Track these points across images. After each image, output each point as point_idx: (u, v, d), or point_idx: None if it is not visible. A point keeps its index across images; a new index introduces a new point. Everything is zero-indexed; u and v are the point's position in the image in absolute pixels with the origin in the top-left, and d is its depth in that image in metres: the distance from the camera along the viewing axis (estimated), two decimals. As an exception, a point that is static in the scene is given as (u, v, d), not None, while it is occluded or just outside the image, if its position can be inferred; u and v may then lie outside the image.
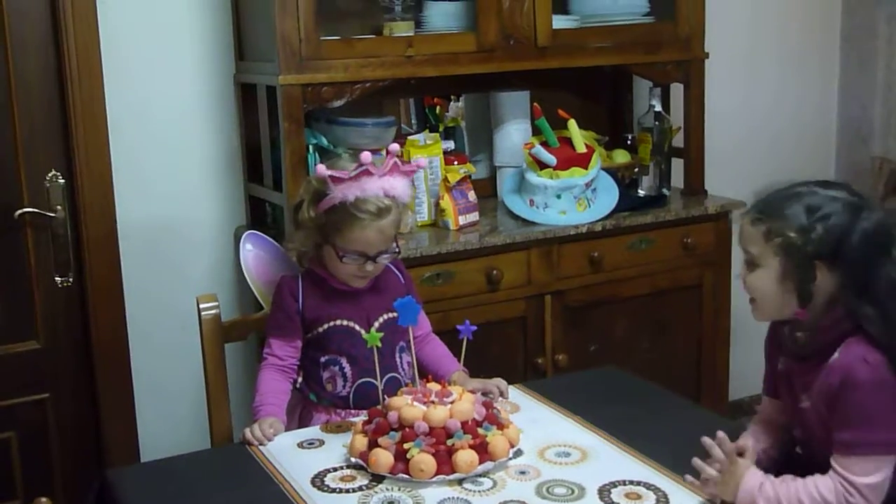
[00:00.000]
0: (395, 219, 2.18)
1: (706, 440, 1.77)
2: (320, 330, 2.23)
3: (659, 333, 3.21)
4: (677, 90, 3.41)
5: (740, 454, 1.75)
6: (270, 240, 2.47)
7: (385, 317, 2.24)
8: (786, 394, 1.85)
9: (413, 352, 2.09)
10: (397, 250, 2.26)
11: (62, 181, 2.92)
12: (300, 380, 2.27)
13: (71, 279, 2.98)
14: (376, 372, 2.05)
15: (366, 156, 2.11)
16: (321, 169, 2.14)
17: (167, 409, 3.16)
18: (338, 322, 2.22)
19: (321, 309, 2.22)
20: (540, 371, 3.04)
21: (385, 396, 2.01)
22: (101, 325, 3.02)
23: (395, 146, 2.19)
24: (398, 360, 2.26)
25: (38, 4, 2.84)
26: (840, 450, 1.66)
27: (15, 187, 2.88)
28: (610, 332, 3.16)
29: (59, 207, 2.92)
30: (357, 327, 2.22)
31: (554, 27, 3.10)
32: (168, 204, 3.10)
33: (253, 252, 2.40)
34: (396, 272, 2.34)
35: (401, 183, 2.16)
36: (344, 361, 2.22)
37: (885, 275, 1.68)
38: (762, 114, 4.01)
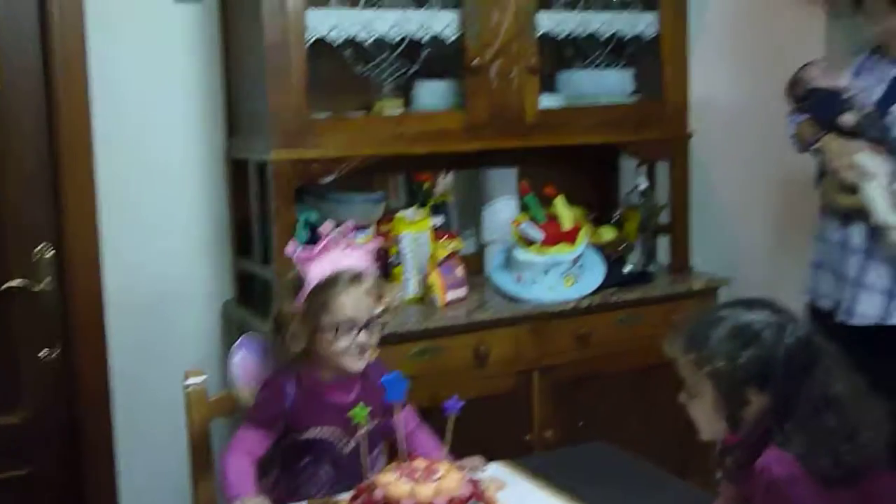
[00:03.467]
0: (373, 284, 2.22)
1: None
2: (303, 436, 2.21)
3: (647, 409, 3.20)
4: (663, 167, 3.46)
5: None
6: (263, 341, 2.42)
7: (365, 430, 2.23)
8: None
9: (401, 433, 2.07)
10: (386, 320, 2.28)
11: (51, 254, 2.93)
12: (272, 479, 2.26)
13: (57, 352, 2.97)
14: (363, 456, 2.03)
15: (326, 227, 2.18)
16: (290, 248, 2.18)
17: (151, 486, 3.12)
18: (320, 430, 2.22)
19: (308, 415, 2.21)
20: (528, 447, 3.03)
21: None
22: (86, 399, 3.00)
23: (349, 222, 2.24)
24: (376, 464, 2.26)
25: (31, 78, 2.88)
26: None
27: (3, 260, 2.89)
28: (598, 408, 3.16)
29: (47, 280, 2.92)
30: (339, 438, 2.22)
31: (541, 106, 3.15)
32: (156, 277, 3.10)
33: (245, 356, 2.35)
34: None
35: (363, 256, 2.24)
36: (324, 467, 2.23)
37: (808, 392, 1.70)
38: (748, 189, 4.05)
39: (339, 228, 2.22)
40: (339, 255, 2.20)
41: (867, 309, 3.04)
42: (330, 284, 2.16)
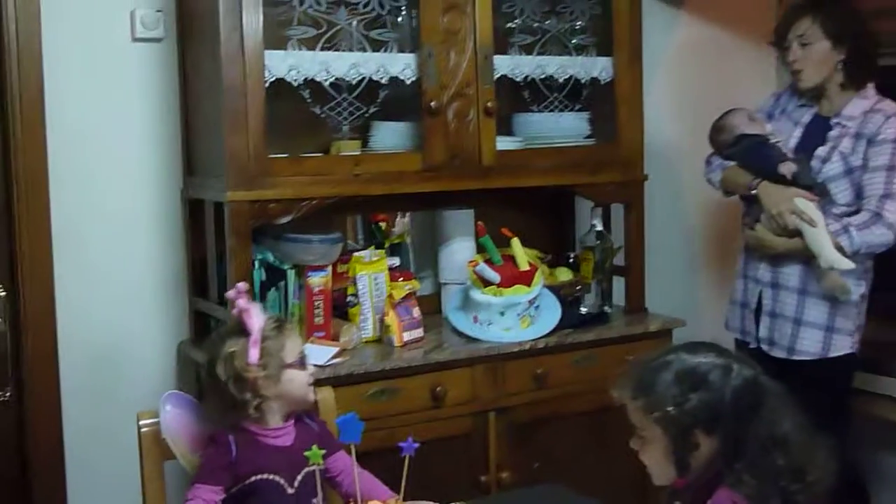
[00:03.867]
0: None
1: None
2: (247, 483, 2.22)
3: (603, 450, 3.21)
4: (618, 209, 3.49)
5: None
6: (191, 399, 2.44)
7: (306, 470, 2.25)
8: None
9: (356, 474, 2.07)
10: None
11: (3, 294, 2.90)
12: None
13: (9, 395, 2.93)
14: (317, 489, 2.04)
15: (241, 284, 2.28)
16: (241, 303, 2.24)
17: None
18: (265, 476, 2.23)
19: (251, 462, 2.23)
20: (484, 489, 3.02)
21: None
22: (38, 441, 2.96)
23: (242, 284, 2.29)
24: None
25: (-15, 120, 2.87)
26: None
27: (-45, 301, 2.86)
28: (554, 449, 3.16)
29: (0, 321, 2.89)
30: (282, 481, 2.24)
31: (498, 148, 3.17)
32: (111, 317, 3.07)
33: (174, 413, 2.37)
34: (313, 425, 2.36)
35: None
36: None
37: (756, 433, 1.72)
38: (702, 229, 4.11)
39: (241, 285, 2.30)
40: (257, 306, 2.28)
41: (809, 346, 3.14)
42: (274, 328, 2.26)
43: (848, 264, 2.97)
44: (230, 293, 2.28)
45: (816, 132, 3.16)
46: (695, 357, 1.78)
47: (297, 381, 2.27)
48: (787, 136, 3.22)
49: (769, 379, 1.80)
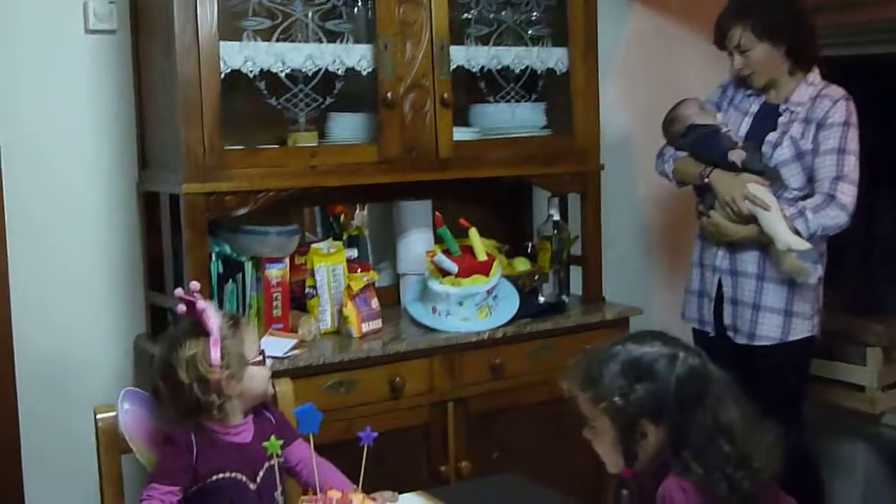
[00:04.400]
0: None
1: None
2: (209, 481, 2.21)
3: (561, 440, 3.22)
4: (575, 199, 3.51)
5: None
6: (149, 395, 2.42)
7: (267, 464, 2.26)
8: None
9: (314, 463, 2.07)
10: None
11: (-44, 289, 2.87)
12: None
13: (-38, 391, 2.90)
14: (278, 476, 2.04)
15: (194, 284, 2.24)
16: (200, 304, 2.20)
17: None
18: (227, 474, 2.22)
19: (212, 461, 2.22)
20: (443, 479, 3.03)
21: None
22: (-8, 437, 2.94)
23: (194, 283, 2.26)
24: (277, 499, 2.27)
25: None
26: None
27: None
28: (513, 439, 3.18)
29: (-48, 318, 2.86)
30: (244, 478, 2.23)
31: (455, 139, 3.18)
32: (66, 312, 3.05)
33: (132, 410, 2.36)
34: (271, 417, 2.35)
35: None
36: None
37: (701, 421, 1.74)
38: (656, 219, 4.14)
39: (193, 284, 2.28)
40: (211, 305, 2.25)
41: (769, 330, 3.18)
42: (230, 326, 2.24)
43: (805, 245, 3.02)
44: (178, 291, 2.25)
45: (766, 119, 3.20)
46: (641, 347, 1.80)
47: (258, 378, 2.26)
48: (736, 125, 3.26)
49: (716, 367, 1.83)
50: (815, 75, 3.19)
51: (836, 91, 3.14)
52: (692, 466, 1.70)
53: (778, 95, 3.21)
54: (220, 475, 2.21)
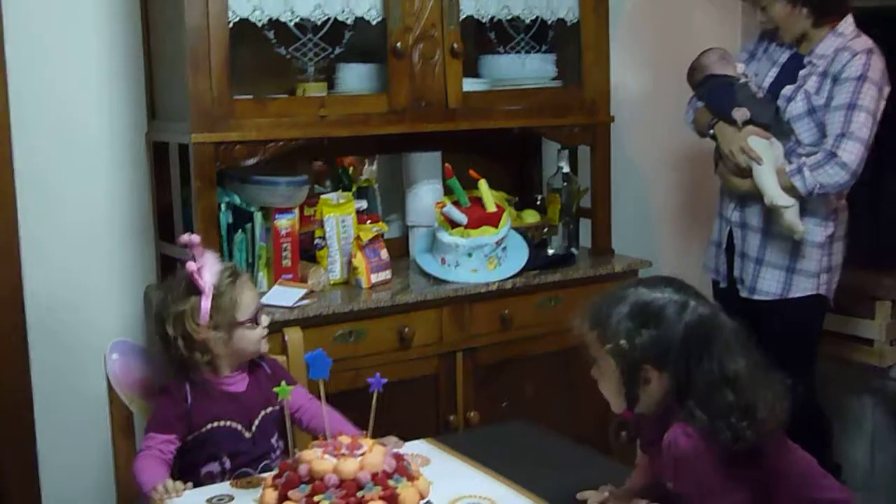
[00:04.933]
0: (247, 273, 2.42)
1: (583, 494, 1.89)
2: (203, 430, 2.25)
3: (569, 391, 3.24)
4: (585, 152, 3.50)
5: None
6: (138, 345, 2.44)
7: (263, 413, 2.30)
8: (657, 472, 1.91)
9: (325, 411, 2.09)
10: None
11: (-33, 240, 2.88)
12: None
13: (-26, 340, 2.92)
14: (288, 423, 2.06)
15: (193, 237, 2.27)
16: (190, 265, 2.23)
17: (73, 476, 3.08)
18: (221, 423, 2.26)
19: (206, 410, 2.25)
20: (452, 429, 3.05)
21: None
22: (4, 385, 2.95)
23: (189, 237, 2.26)
24: (274, 445, 2.32)
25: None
26: None
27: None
28: (521, 390, 3.19)
29: (-38, 265, 2.87)
30: (239, 427, 2.27)
31: (464, 90, 3.16)
32: (77, 262, 3.06)
33: (120, 360, 2.38)
34: (265, 366, 2.37)
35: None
36: (225, 457, 2.26)
37: (706, 370, 1.74)
38: (666, 173, 4.13)
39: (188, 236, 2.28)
40: (212, 259, 2.28)
41: (769, 286, 3.18)
42: (228, 284, 2.26)
43: (786, 201, 3.00)
44: (185, 237, 2.27)
45: (791, 71, 3.16)
46: (652, 292, 1.80)
47: (248, 339, 2.28)
48: (763, 75, 3.23)
49: (728, 317, 1.82)
50: (846, 25, 3.10)
51: (861, 43, 3.06)
52: (696, 414, 1.71)
53: (808, 46, 3.15)
54: (215, 423, 2.25)
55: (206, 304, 2.21)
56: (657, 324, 1.75)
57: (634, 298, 1.79)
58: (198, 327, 2.22)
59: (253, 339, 2.29)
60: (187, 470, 2.22)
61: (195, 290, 2.23)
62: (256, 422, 2.28)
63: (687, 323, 1.76)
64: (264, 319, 2.33)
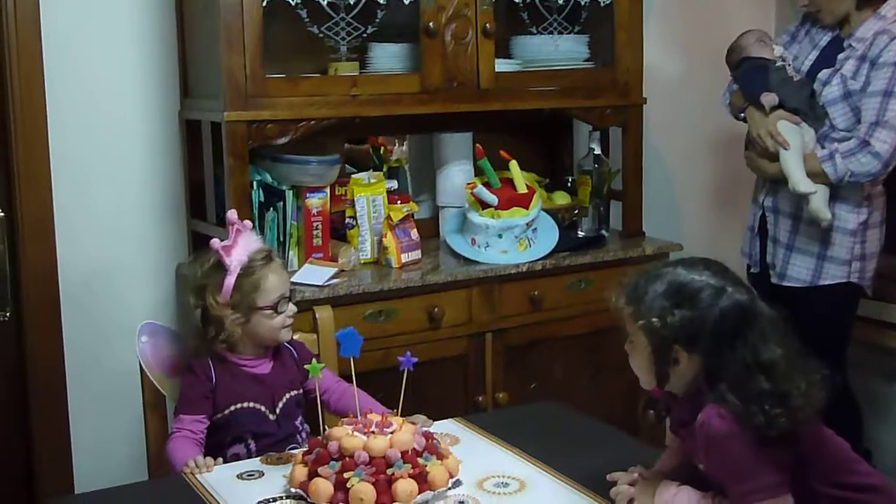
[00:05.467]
0: (282, 259, 2.38)
1: (613, 475, 1.89)
2: (227, 412, 2.26)
3: (597, 372, 3.24)
4: (616, 133, 3.49)
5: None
6: (167, 327, 2.45)
7: (288, 395, 2.31)
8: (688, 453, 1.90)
9: (354, 389, 2.09)
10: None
11: (1, 215, 2.90)
12: None
13: (8, 314, 2.94)
14: (319, 404, 2.07)
15: (232, 214, 2.29)
16: (215, 242, 2.25)
17: (105, 444, 3.11)
18: (245, 404, 2.27)
19: (231, 391, 2.26)
20: (480, 409, 3.06)
21: None
22: (38, 361, 2.98)
23: (231, 215, 2.29)
24: (298, 427, 2.33)
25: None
26: (737, 502, 1.71)
27: (-47, 222, 2.86)
28: (550, 371, 3.19)
29: (-3, 243, 2.90)
30: (263, 408, 2.28)
31: (496, 70, 3.16)
32: (110, 239, 3.08)
33: (149, 342, 2.39)
34: (290, 349, 2.38)
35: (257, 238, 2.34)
36: (250, 439, 2.27)
37: (739, 356, 1.73)
38: (699, 157, 4.10)
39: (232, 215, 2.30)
40: (248, 238, 2.28)
41: (798, 272, 3.14)
42: (255, 267, 2.25)
43: (809, 187, 2.97)
44: (231, 214, 2.28)
45: (831, 54, 3.12)
46: (690, 273, 1.79)
47: (265, 326, 2.27)
48: (803, 58, 3.19)
49: (765, 304, 1.81)
50: (889, 8, 3.06)
51: None
52: (729, 398, 1.70)
53: (849, 29, 3.12)
54: (239, 405, 2.26)
55: (229, 280, 2.22)
56: (691, 305, 1.74)
57: (672, 278, 1.79)
58: (216, 303, 2.23)
59: (270, 326, 2.27)
60: (214, 451, 2.23)
61: (223, 267, 2.24)
62: (280, 404, 2.29)
63: (722, 308, 1.74)
64: (290, 308, 2.31)
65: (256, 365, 2.30)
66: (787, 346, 1.76)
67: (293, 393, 2.32)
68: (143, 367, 2.37)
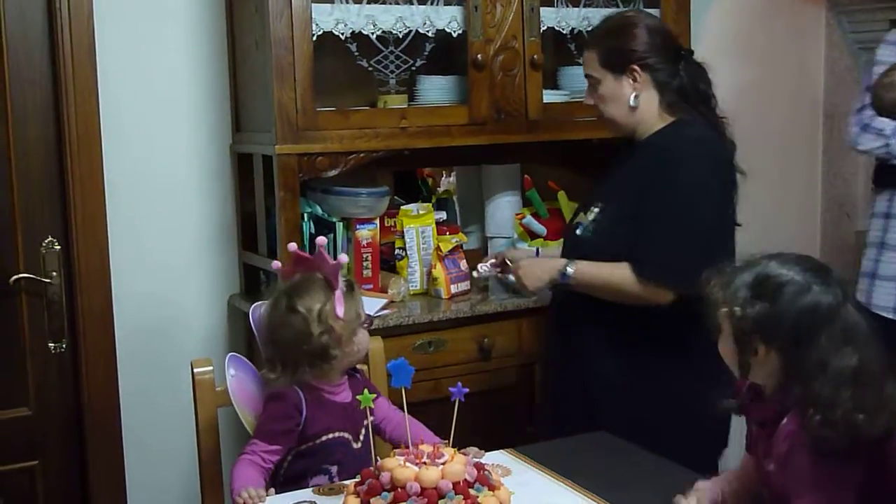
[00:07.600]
0: None
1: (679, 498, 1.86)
2: (318, 441, 2.25)
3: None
4: (665, 164, 3.47)
5: None
6: (250, 364, 2.45)
7: (366, 423, 2.28)
8: (757, 455, 1.89)
9: (406, 418, 2.09)
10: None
11: (58, 248, 2.95)
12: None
13: (64, 346, 2.99)
14: (369, 438, 2.07)
15: (292, 245, 2.29)
16: (276, 264, 2.33)
17: (158, 476, 3.15)
18: (335, 434, 2.26)
19: (321, 421, 2.25)
20: (531, 439, 3.03)
21: None
22: (93, 393, 3.02)
23: (321, 239, 2.29)
24: (374, 460, 2.29)
25: (40, 73, 2.90)
26: None
27: (11, 253, 2.91)
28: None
29: (54, 274, 2.94)
30: (349, 437, 2.27)
31: (544, 101, 3.17)
32: (163, 271, 3.13)
33: (236, 377, 2.39)
34: (358, 376, 2.39)
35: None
36: (334, 470, 2.26)
37: (813, 358, 1.71)
38: (748, 190, 4.07)
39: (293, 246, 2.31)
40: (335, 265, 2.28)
41: (881, 300, 3.03)
42: (347, 288, 2.27)
43: None
44: (292, 245, 2.29)
45: None
46: (780, 268, 1.77)
47: (364, 340, 2.31)
48: None
49: (856, 311, 1.77)
50: None
51: None
52: (803, 400, 1.69)
53: None
54: (329, 435, 2.24)
55: (340, 298, 2.23)
56: (772, 300, 1.73)
57: (760, 270, 1.78)
58: (336, 320, 2.23)
59: (366, 339, 2.33)
60: (297, 479, 2.22)
61: (322, 288, 2.24)
62: (362, 431, 2.29)
63: (801, 306, 1.72)
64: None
65: (339, 392, 2.29)
66: (868, 356, 1.73)
67: (371, 419, 2.29)
68: (233, 400, 2.35)
